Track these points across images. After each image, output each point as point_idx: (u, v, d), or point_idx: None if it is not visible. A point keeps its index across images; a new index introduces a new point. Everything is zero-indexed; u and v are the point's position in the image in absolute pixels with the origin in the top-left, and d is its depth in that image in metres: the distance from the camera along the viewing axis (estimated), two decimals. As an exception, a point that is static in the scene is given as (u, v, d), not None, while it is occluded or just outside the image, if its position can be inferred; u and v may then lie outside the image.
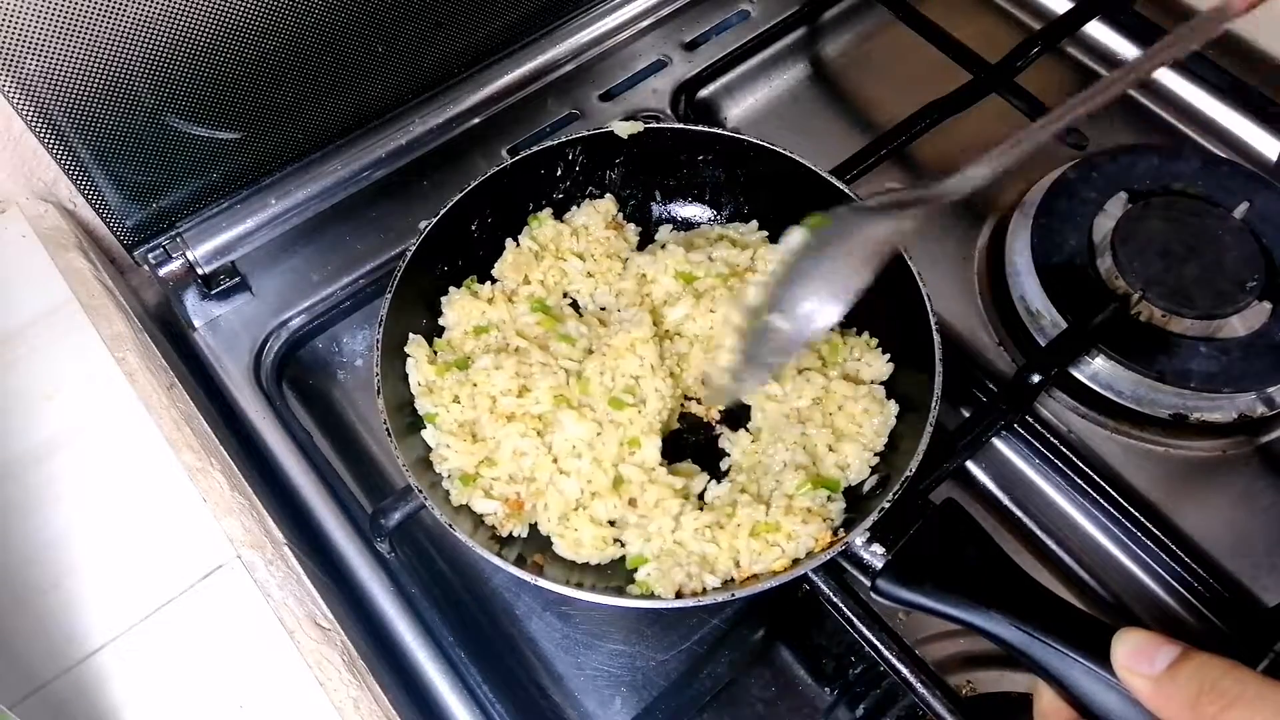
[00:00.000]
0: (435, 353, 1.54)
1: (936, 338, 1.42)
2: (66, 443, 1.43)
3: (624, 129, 1.62)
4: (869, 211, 1.31)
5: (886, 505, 1.29)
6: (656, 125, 1.65)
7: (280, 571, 1.36)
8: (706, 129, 1.65)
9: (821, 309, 1.28)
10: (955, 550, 1.29)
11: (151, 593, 1.32)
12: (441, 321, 1.59)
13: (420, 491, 1.34)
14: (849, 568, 1.32)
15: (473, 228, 1.61)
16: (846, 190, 1.56)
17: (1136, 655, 1.01)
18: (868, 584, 1.31)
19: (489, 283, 1.63)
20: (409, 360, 1.52)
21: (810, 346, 1.53)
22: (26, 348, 1.50)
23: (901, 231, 1.27)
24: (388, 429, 1.38)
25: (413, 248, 1.51)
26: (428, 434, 1.48)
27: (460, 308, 1.57)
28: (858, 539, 1.30)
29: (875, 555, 1.29)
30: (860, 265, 1.25)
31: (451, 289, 1.60)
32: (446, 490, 1.41)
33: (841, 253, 1.28)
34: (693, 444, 1.57)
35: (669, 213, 1.74)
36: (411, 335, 1.53)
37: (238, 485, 1.44)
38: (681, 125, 1.67)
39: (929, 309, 1.44)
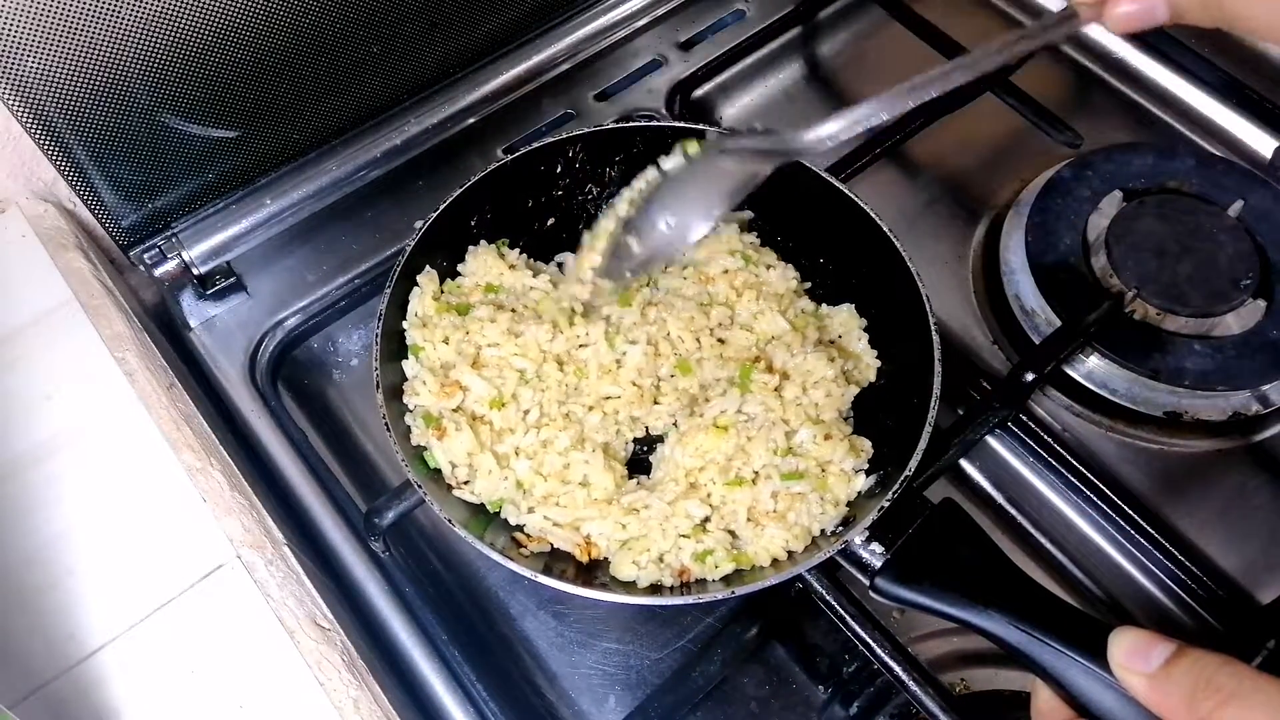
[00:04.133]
0: (443, 292, 1.56)
1: (935, 337, 1.44)
2: (66, 443, 1.44)
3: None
4: (735, 153, 1.36)
5: (885, 505, 1.31)
6: (656, 124, 1.66)
7: (280, 571, 1.38)
8: (704, 127, 1.63)
9: (679, 231, 1.37)
10: (953, 549, 1.31)
11: (152, 592, 1.34)
12: (460, 268, 1.61)
13: (420, 488, 1.35)
14: (848, 567, 1.34)
15: (472, 224, 1.62)
16: (844, 189, 1.57)
17: (1133, 653, 1.03)
18: (867, 583, 1.32)
19: (519, 250, 1.65)
20: (414, 290, 1.54)
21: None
22: (26, 348, 1.51)
23: (758, 176, 1.33)
24: (388, 426, 1.39)
25: (412, 242, 1.52)
26: (408, 365, 1.50)
27: (482, 261, 1.59)
28: (856, 538, 1.32)
29: (874, 554, 1.31)
30: (719, 197, 1.34)
31: (483, 242, 1.63)
32: (445, 484, 1.43)
33: (704, 184, 1.36)
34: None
35: (669, 209, 1.74)
36: (428, 267, 1.55)
37: (237, 485, 1.46)
38: (682, 124, 1.68)
39: (928, 308, 1.45)
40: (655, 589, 1.37)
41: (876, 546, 1.31)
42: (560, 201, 1.71)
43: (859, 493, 1.44)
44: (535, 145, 1.62)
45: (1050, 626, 1.17)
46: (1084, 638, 1.13)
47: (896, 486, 1.32)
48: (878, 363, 1.58)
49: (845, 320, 1.61)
